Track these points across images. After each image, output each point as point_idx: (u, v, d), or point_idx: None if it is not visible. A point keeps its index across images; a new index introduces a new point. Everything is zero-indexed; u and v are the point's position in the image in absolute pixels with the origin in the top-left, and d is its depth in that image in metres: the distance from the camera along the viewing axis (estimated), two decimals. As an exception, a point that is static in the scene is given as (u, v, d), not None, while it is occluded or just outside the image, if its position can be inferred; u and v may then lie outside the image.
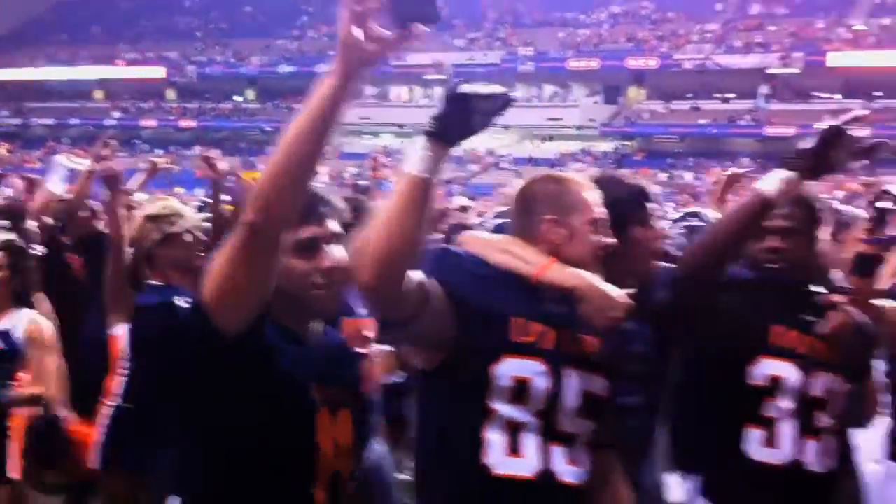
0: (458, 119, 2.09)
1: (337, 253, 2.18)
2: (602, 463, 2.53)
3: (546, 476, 2.35)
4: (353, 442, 2.26)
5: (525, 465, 2.34)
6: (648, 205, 2.91)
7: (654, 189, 3.02)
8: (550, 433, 2.37)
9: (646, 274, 2.86)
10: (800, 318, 2.92)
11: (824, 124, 2.63)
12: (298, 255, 2.14)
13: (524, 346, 2.34)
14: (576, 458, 2.41)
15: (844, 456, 3.07)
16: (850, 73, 43.75)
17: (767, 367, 2.88)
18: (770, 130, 43.99)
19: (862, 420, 3.92)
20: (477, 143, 38.24)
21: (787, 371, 2.88)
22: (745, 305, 2.90)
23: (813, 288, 2.99)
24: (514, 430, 2.34)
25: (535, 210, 2.49)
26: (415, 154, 2.10)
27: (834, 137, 2.61)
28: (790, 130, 39.57)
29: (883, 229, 3.34)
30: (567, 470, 2.38)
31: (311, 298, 2.16)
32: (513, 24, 55.84)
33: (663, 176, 41.48)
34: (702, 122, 47.56)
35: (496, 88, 2.10)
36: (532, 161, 43.02)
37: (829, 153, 2.63)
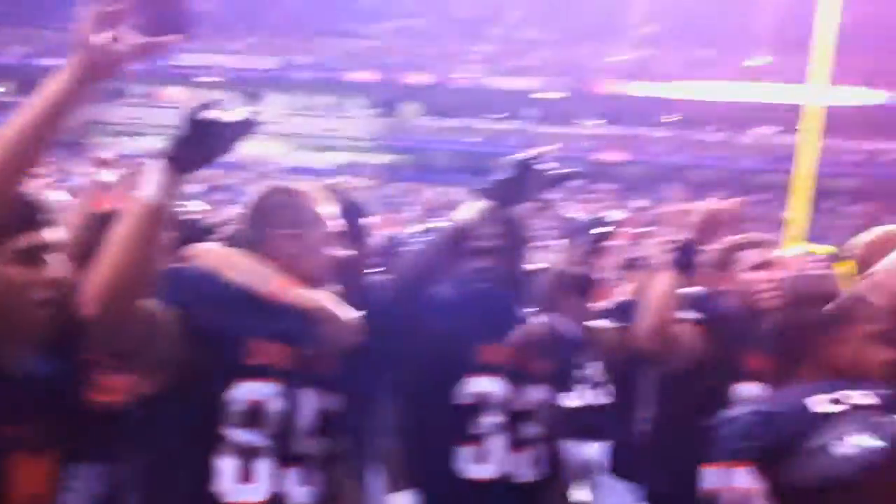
0: (197, 145, 1.99)
1: (59, 264, 2.00)
2: (333, 480, 2.52)
3: (277, 500, 2.31)
4: (59, 486, 2.06)
5: (256, 490, 2.28)
6: (362, 220, 3.00)
7: (372, 202, 3.14)
8: (284, 455, 2.33)
9: (362, 287, 2.90)
10: (505, 334, 3.01)
11: (512, 158, 2.82)
12: (15, 266, 1.93)
13: (260, 368, 2.29)
14: (309, 479, 2.39)
15: (555, 465, 3.17)
16: (613, 100, 46.37)
17: (475, 385, 2.95)
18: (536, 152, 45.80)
19: (581, 432, 4.14)
20: (249, 150, 37.58)
21: (494, 386, 2.96)
22: (452, 324, 2.96)
23: (518, 304, 3.12)
24: (246, 455, 2.28)
25: (269, 223, 2.45)
26: (149, 178, 1.99)
27: (522, 170, 2.81)
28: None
29: (598, 254, 3.51)
30: (299, 491, 2.36)
31: (28, 315, 1.96)
32: (292, 32, 55.37)
33: (434, 191, 42.30)
34: (473, 139, 48.92)
35: (237, 114, 2.01)
36: (305, 171, 42.77)
37: (517, 184, 2.81)
